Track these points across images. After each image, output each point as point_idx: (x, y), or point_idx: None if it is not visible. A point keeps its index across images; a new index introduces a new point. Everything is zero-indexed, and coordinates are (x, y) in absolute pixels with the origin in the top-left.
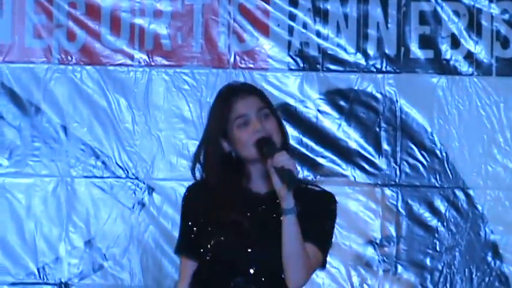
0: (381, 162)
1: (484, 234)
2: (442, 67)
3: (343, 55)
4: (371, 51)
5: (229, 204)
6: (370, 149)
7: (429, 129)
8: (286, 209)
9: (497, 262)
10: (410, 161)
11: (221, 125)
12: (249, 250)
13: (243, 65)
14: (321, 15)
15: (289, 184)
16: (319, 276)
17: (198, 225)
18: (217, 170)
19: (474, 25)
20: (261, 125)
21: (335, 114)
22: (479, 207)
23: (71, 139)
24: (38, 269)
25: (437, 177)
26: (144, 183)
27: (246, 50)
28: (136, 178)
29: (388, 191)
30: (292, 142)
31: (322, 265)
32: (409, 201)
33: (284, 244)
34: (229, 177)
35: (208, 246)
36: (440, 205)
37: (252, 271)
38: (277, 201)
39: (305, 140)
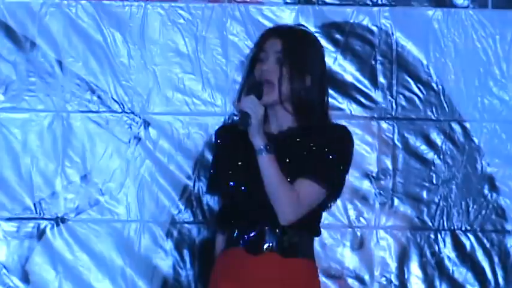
0: (376, 95)
1: (481, 167)
2: (438, 0)
3: None
4: None
5: (243, 145)
6: (366, 82)
7: (425, 62)
8: (256, 150)
9: (494, 195)
10: (407, 94)
11: (251, 57)
12: (254, 190)
13: None
14: None
15: (240, 125)
16: None
17: (219, 166)
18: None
19: None
20: (268, 67)
21: (331, 47)
22: (476, 140)
23: (67, 74)
24: (34, 204)
25: (434, 110)
26: (140, 117)
27: None
28: (132, 112)
29: (384, 124)
30: None
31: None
32: (405, 134)
33: (264, 184)
34: None
35: (226, 186)
36: (437, 138)
37: (255, 211)
38: (287, 140)
39: None
